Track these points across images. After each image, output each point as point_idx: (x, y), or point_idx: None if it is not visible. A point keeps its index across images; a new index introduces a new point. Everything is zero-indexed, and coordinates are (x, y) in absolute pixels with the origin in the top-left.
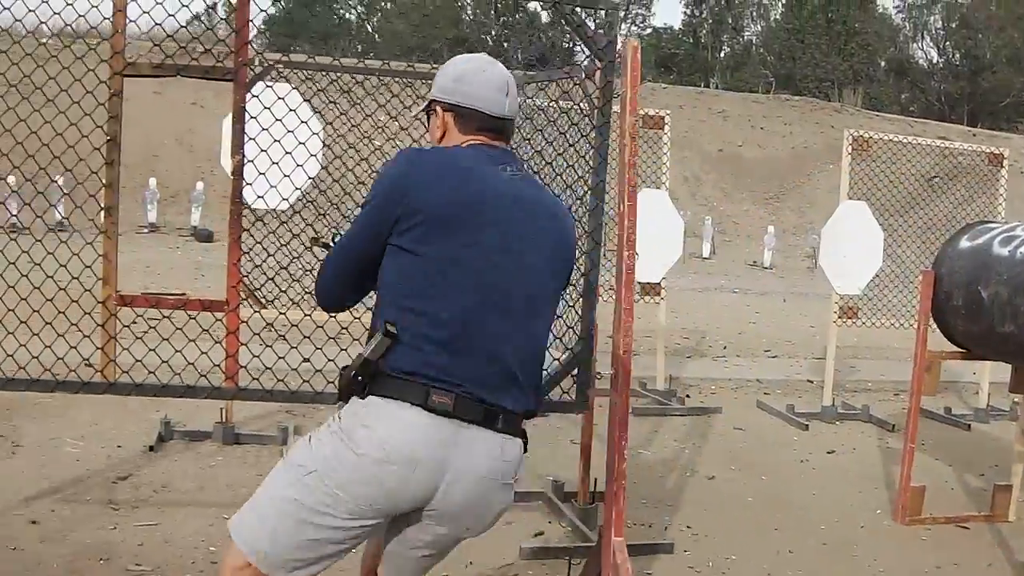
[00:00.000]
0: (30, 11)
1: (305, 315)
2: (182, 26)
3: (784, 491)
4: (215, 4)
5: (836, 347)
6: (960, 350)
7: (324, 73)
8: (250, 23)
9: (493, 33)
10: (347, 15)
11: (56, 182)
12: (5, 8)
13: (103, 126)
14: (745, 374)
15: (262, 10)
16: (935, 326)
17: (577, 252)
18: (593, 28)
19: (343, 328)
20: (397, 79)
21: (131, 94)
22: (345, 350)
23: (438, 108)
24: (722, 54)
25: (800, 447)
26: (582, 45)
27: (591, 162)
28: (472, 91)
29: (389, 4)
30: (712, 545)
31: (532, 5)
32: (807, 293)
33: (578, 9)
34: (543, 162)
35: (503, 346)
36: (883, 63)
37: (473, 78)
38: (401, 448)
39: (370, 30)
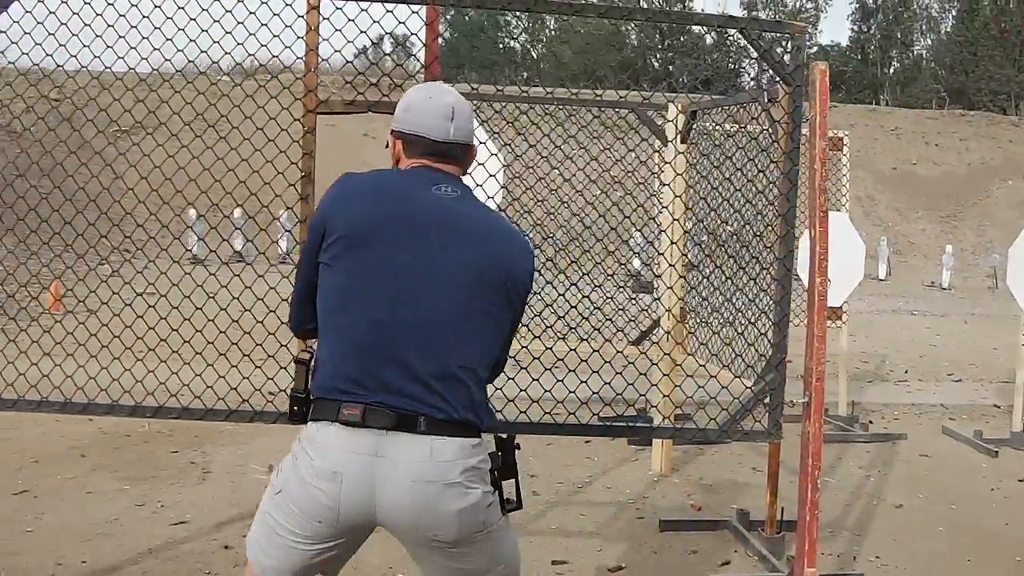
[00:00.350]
0: (226, 53)
1: (522, 347)
2: (372, 63)
3: (975, 520)
4: (404, 40)
5: None
6: None
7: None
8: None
9: (658, 56)
10: (511, 43)
11: (229, 217)
12: (202, 51)
13: (297, 163)
14: (928, 399)
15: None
16: None
17: (527, 279)
18: (780, 53)
19: (559, 359)
20: (561, 107)
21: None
22: (560, 380)
23: (392, 135)
24: (891, 70)
25: (989, 474)
26: (769, 70)
27: (779, 188)
28: (415, 119)
29: (552, 32)
30: (906, 573)
31: (696, 28)
32: (989, 314)
33: (765, 34)
34: (730, 189)
35: (415, 357)
36: None
37: (418, 107)
38: (324, 465)
39: (535, 57)
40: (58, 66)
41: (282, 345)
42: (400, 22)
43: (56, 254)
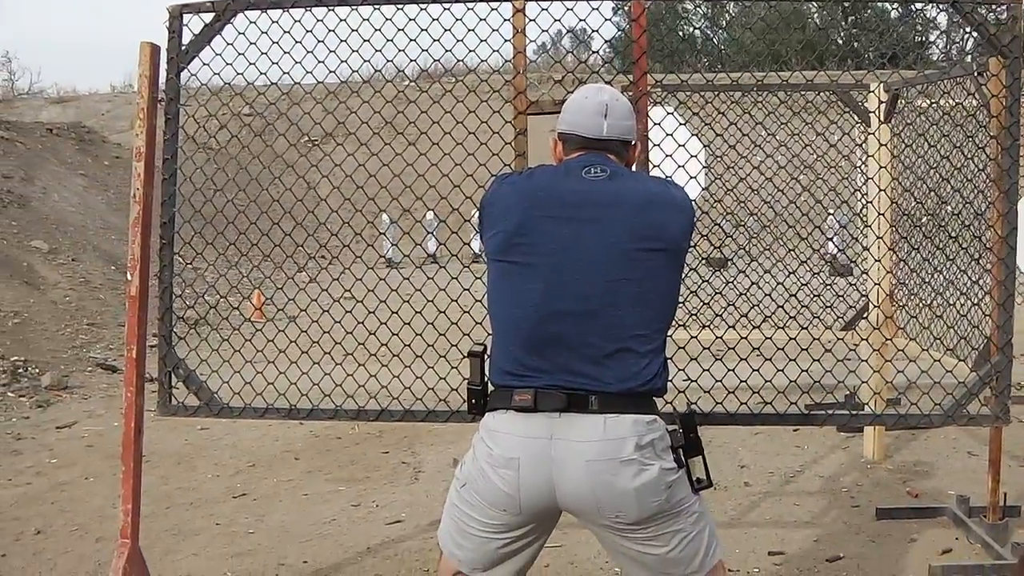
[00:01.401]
0: (435, 61)
1: (717, 337)
2: (582, 61)
3: None
4: (615, 38)
5: None
6: None
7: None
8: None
9: (842, 34)
10: (692, 30)
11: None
12: (411, 60)
13: (510, 165)
14: None
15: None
16: None
17: (690, 233)
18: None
19: (755, 348)
20: (767, 92)
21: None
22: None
23: (554, 138)
24: None
25: None
26: (966, 41)
27: (999, 164)
28: (572, 118)
29: (731, 15)
30: None
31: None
32: None
33: (980, 8)
34: (947, 167)
35: (580, 334)
36: None
37: (574, 106)
38: (501, 452)
39: (716, 43)
40: (249, 83)
41: (476, 345)
42: (606, 19)
43: (255, 264)
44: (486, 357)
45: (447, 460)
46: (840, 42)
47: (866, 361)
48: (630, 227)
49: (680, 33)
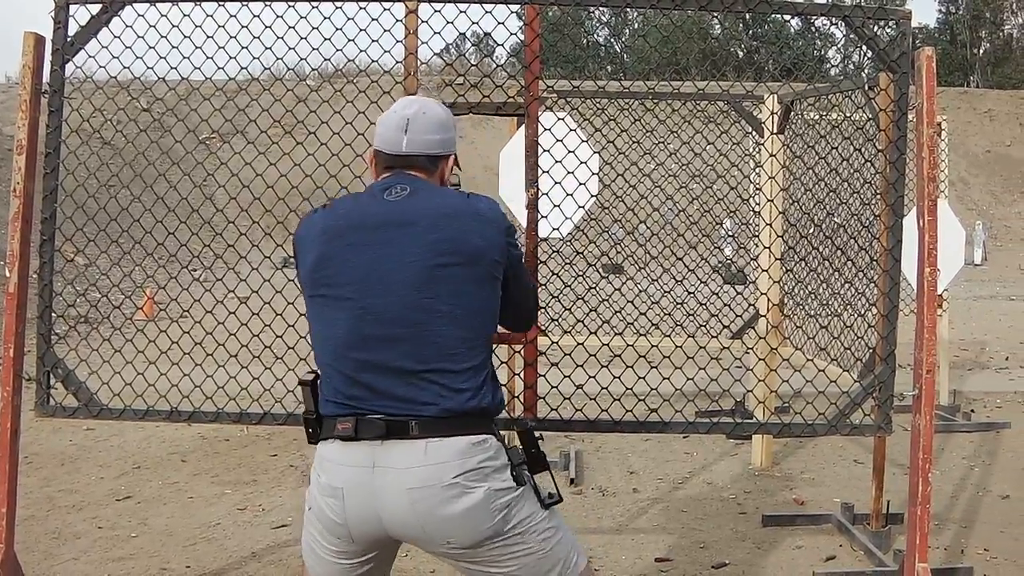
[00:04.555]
0: (326, 60)
1: (603, 344)
2: (473, 64)
3: None
4: (501, 42)
5: None
6: None
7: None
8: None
9: (743, 46)
10: (595, 37)
11: None
12: (302, 59)
13: None
14: None
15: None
16: None
17: (500, 243)
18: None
19: (641, 356)
20: (657, 100)
21: None
22: (644, 376)
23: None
24: (981, 50)
25: None
26: (861, 56)
27: (885, 177)
28: (378, 132)
29: (634, 24)
30: (1013, 569)
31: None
32: None
33: (870, 24)
34: (835, 179)
35: (394, 358)
36: None
37: (381, 121)
38: (327, 481)
39: (618, 50)
40: (136, 78)
41: (308, 373)
42: (500, 22)
43: (160, 263)
44: (317, 384)
45: None
46: (741, 54)
47: (751, 370)
48: (426, 244)
49: (584, 40)
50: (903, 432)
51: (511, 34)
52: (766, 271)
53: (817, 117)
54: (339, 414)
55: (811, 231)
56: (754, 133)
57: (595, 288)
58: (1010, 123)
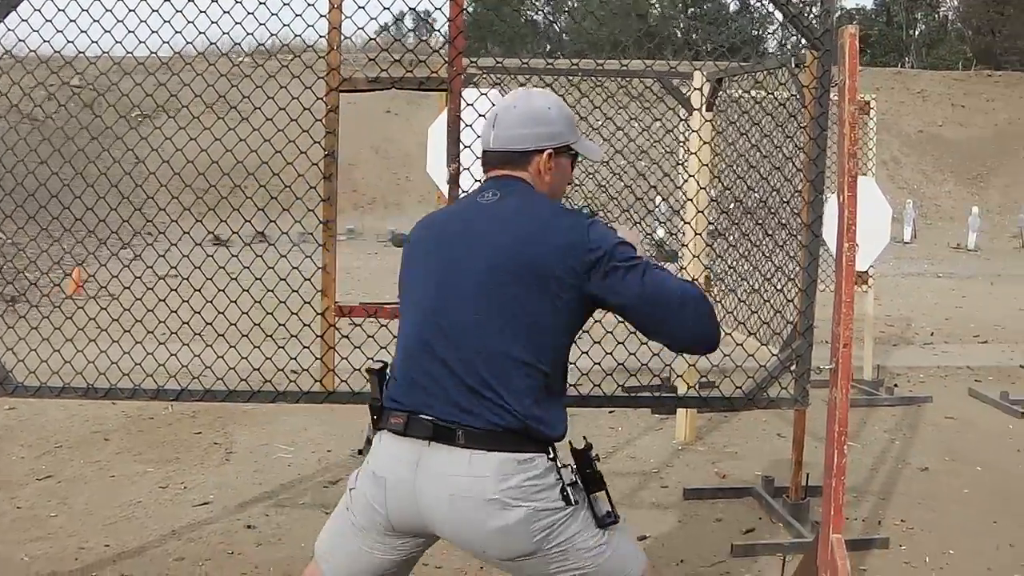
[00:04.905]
0: (248, 34)
1: None
2: (396, 39)
3: (1002, 482)
4: (428, 15)
5: None
6: None
7: (527, 77)
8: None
9: (682, 25)
10: (534, 16)
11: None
12: (224, 33)
13: (320, 141)
14: (954, 361)
15: (449, 19)
16: None
17: (571, 262)
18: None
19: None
20: (585, 78)
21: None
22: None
23: None
24: (917, 32)
25: (1017, 436)
26: (795, 35)
27: (807, 153)
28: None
29: (576, 3)
30: (928, 540)
31: None
32: (1016, 275)
33: (795, 1)
34: (758, 155)
35: (454, 365)
36: None
37: (485, 119)
38: (374, 469)
39: (557, 30)
40: (80, 52)
41: (305, 325)
42: None
43: (78, 240)
44: (384, 373)
45: (260, 441)
46: (680, 34)
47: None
48: (493, 257)
49: (523, 18)
50: (824, 405)
51: (436, 8)
52: (686, 246)
53: (741, 94)
54: (395, 409)
55: (732, 206)
56: (681, 110)
57: None
58: (942, 104)
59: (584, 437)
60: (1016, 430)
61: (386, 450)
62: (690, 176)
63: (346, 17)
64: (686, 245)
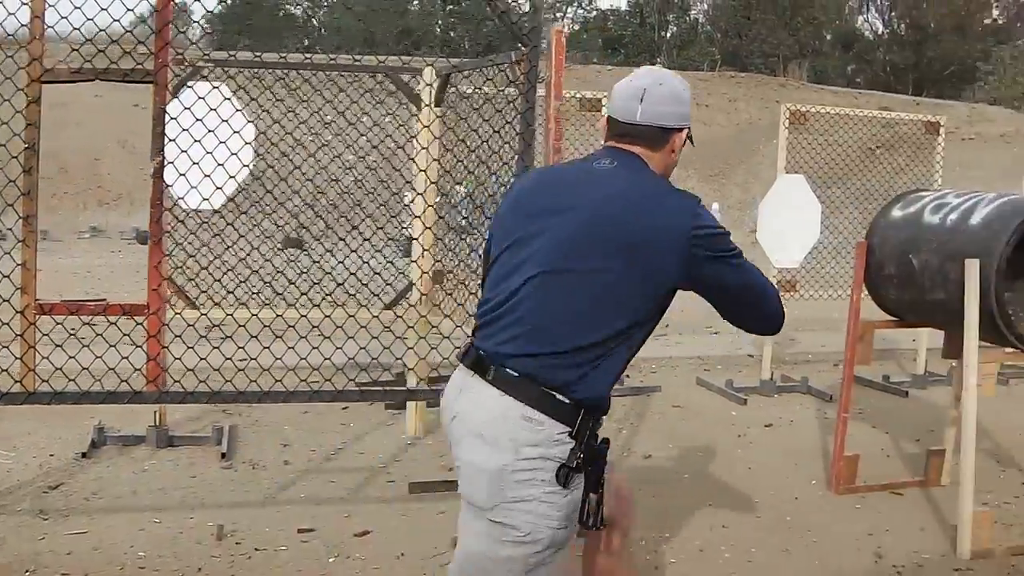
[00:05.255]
0: None
1: (227, 315)
2: (101, 30)
3: (720, 467)
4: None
5: None
6: (892, 318)
7: (269, 70)
8: (170, 25)
9: (439, 23)
10: (292, 9)
11: None
12: None
13: (20, 134)
14: (686, 352)
15: (208, 10)
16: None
17: (671, 242)
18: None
19: (265, 326)
20: (343, 73)
21: (72, 98)
22: (267, 347)
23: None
24: (668, 33)
25: (739, 422)
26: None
27: (513, 148)
28: (612, 101)
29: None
30: (645, 523)
31: None
32: (770, 269)
33: None
34: (468, 149)
35: (518, 311)
36: (829, 36)
37: (617, 88)
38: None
39: (315, 24)
40: None
41: (4, 323)
42: None
43: None
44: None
45: None
46: (438, 31)
47: (400, 338)
48: (589, 219)
49: (280, 12)
50: None
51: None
52: (416, 239)
53: (474, 90)
54: (468, 340)
55: (462, 200)
56: (411, 105)
57: (268, 261)
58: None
59: (606, 438)
60: (739, 416)
61: (453, 375)
62: (420, 171)
63: (49, 5)
64: (416, 239)
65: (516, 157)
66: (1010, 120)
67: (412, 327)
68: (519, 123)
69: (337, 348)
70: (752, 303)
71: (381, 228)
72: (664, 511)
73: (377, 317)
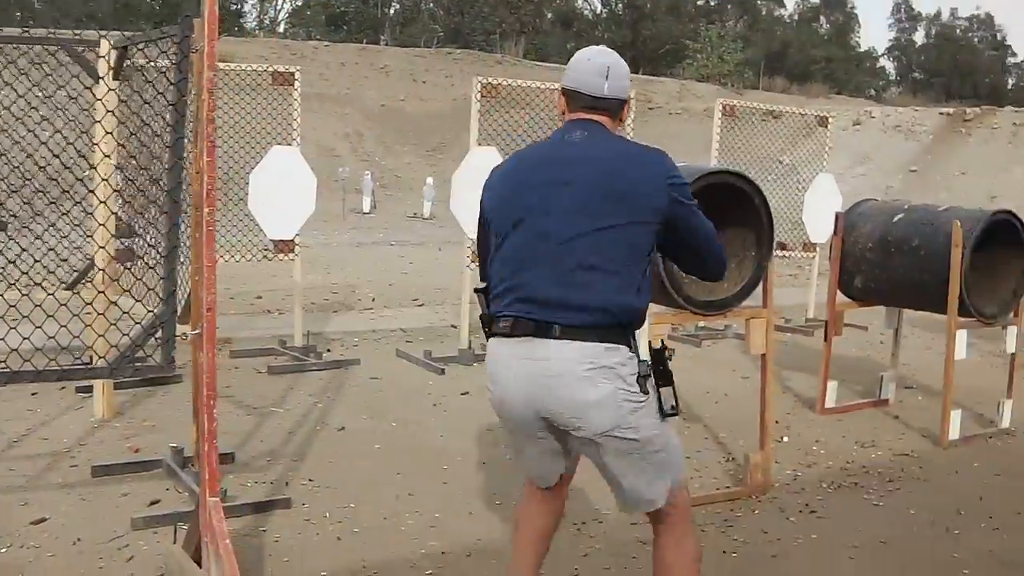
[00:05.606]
0: None
1: None
2: None
3: (413, 436)
4: None
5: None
6: None
7: None
8: None
9: None
10: None
11: None
12: None
13: None
14: (389, 324)
15: None
16: None
17: (657, 190)
18: None
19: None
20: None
21: None
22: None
23: (560, 92)
24: (392, 10)
25: (435, 391)
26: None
27: (167, 120)
28: (576, 76)
29: None
30: (332, 496)
31: None
32: (464, 241)
33: None
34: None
35: (549, 273)
36: (550, 15)
37: (579, 66)
38: (490, 370)
39: None
40: None
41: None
42: None
43: None
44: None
45: None
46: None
47: (77, 315)
48: (591, 180)
49: None
50: (253, 373)
51: None
52: (91, 214)
53: (148, 63)
54: (501, 315)
55: (138, 175)
56: (85, 77)
57: None
58: (404, 79)
59: (662, 340)
60: (436, 386)
61: (497, 350)
62: (94, 144)
63: None
64: (91, 213)
65: (169, 128)
66: (716, 96)
67: (90, 303)
68: (172, 93)
69: (12, 328)
70: (711, 248)
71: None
72: (353, 483)
73: (56, 298)
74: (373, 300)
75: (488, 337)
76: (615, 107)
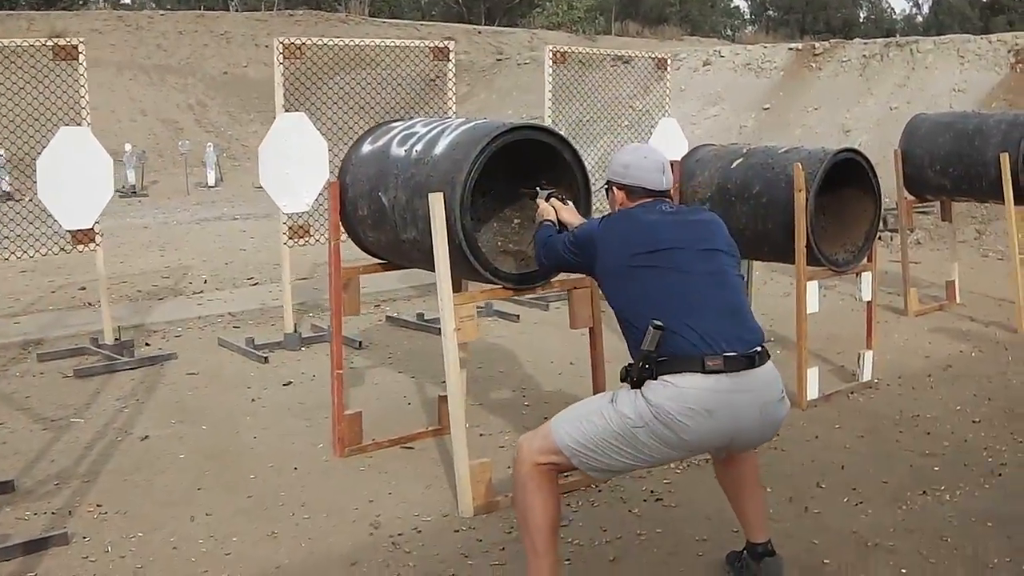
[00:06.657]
0: None
1: None
2: None
3: (224, 440)
4: None
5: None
6: (379, 261)
7: None
8: None
9: None
10: None
11: None
12: None
13: None
14: (218, 308)
15: None
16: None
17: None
18: None
19: None
20: None
21: None
22: None
23: (614, 187)
24: None
25: (256, 383)
26: None
27: None
28: (639, 174)
29: None
30: (121, 523)
31: None
32: (278, 215)
33: None
34: None
35: (728, 313)
36: None
37: (639, 164)
38: (695, 406)
39: None
40: None
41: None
42: None
43: None
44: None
45: None
46: None
47: None
48: (708, 238)
49: None
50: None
51: None
52: None
53: None
54: (707, 352)
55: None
56: None
57: None
58: (247, 45)
59: None
60: (257, 377)
61: (705, 385)
62: None
63: None
64: None
65: None
66: (568, 43)
67: None
68: None
69: None
70: None
71: None
72: (147, 504)
73: None
74: (205, 282)
75: (660, 376)
76: (670, 195)
